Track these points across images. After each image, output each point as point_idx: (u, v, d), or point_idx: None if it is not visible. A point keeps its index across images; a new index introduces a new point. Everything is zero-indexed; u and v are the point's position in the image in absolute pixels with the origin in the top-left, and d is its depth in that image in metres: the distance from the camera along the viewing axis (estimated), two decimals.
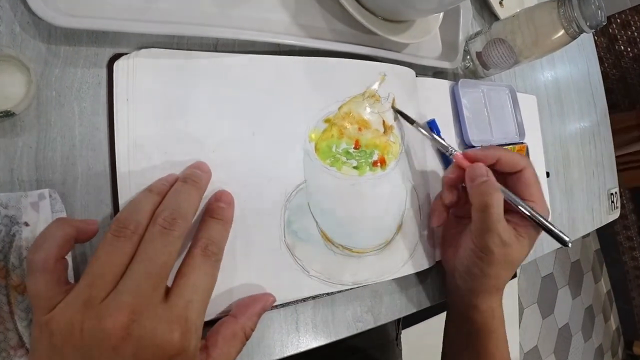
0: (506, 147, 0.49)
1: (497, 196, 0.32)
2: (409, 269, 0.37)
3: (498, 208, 0.32)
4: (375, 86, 0.37)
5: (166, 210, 0.23)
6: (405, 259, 0.37)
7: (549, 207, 0.36)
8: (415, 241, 0.38)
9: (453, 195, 0.36)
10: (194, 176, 0.26)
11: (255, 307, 0.28)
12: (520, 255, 0.34)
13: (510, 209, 0.34)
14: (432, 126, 0.42)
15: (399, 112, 0.38)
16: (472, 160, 0.35)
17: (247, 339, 0.26)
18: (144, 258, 0.21)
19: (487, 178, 0.32)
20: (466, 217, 0.35)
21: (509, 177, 0.36)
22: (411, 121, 0.37)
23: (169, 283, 0.23)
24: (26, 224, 0.23)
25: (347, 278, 0.34)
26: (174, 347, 0.20)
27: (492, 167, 0.35)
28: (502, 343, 0.36)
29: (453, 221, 0.39)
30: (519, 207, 0.33)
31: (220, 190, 0.28)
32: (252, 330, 0.27)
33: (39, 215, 0.23)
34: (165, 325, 0.20)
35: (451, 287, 0.38)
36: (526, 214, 0.33)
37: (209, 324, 0.26)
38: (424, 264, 0.39)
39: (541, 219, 0.33)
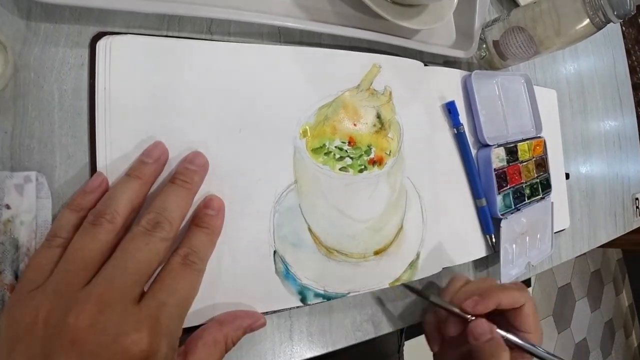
0: (522, 142, 0.49)
1: (505, 356, 0.33)
2: (413, 276, 0.37)
3: None
4: (371, 78, 0.37)
5: (151, 213, 0.24)
6: (407, 264, 0.37)
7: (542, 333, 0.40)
8: (417, 245, 0.38)
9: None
10: (185, 176, 0.26)
11: (245, 320, 0.27)
12: None
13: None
14: (450, 108, 0.43)
15: (409, 288, 0.38)
16: (472, 312, 0.35)
17: (226, 351, 0.26)
18: (122, 252, 0.22)
19: (491, 335, 0.33)
20: (459, 346, 0.36)
21: (507, 312, 0.37)
22: (426, 296, 0.36)
23: None
24: (7, 207, 0.23)
25: (343, 286, 0.34)
26: (140, 348, 0.20)
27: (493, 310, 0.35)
28: None
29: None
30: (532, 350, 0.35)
31: (210, 195, 0.28)
32: (234, 343, 0.26)
33: (22, 199, 0.24)
34: (132, 324, 0.20)
35: None
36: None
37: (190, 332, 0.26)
38: (430, 271, 0.39)
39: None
